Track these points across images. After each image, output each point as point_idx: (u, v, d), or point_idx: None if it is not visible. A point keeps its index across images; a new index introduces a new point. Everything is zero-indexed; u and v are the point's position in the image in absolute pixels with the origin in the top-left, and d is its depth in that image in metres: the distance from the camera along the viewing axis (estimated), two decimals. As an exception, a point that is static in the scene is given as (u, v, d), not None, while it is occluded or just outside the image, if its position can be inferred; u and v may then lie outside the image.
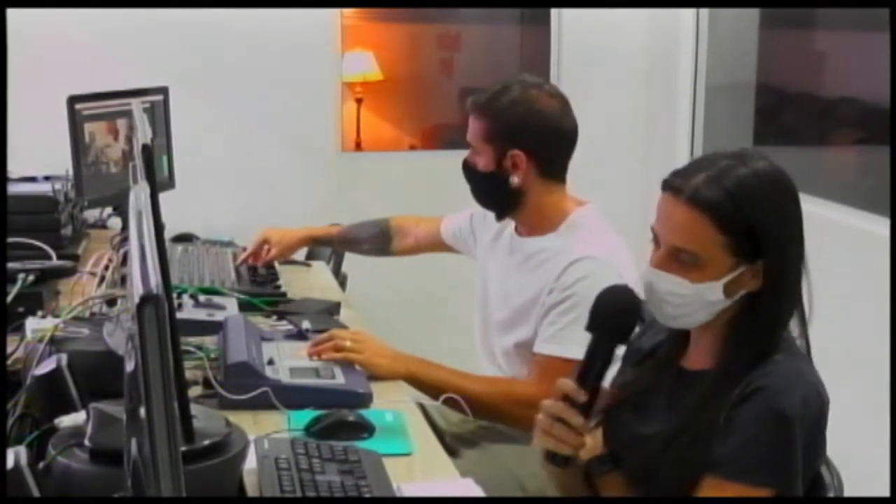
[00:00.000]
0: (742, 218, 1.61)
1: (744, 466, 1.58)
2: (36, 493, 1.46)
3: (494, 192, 2.48)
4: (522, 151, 2.40)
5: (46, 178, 3.38)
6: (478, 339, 2.64)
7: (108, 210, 3.72)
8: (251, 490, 1.74)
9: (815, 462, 1.66)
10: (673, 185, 1.65)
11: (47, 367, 1.83)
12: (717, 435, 1.60)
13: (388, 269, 3.34)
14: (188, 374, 2.05)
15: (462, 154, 2.53)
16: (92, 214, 3.70)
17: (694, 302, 1.64)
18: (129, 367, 1.22)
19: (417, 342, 2.81)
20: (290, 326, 2.55)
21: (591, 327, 1.71)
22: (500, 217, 2.55)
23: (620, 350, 1.78)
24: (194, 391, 2.11)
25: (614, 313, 1.71)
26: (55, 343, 2.05)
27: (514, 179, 2.42)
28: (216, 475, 1.66)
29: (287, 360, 2.24)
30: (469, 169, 2.50)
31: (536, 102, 2.42)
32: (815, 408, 1.60)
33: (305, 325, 2.50)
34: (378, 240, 3.06)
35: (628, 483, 1.73)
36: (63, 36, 4.04)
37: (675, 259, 1.64)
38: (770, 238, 1.62)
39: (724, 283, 1.63)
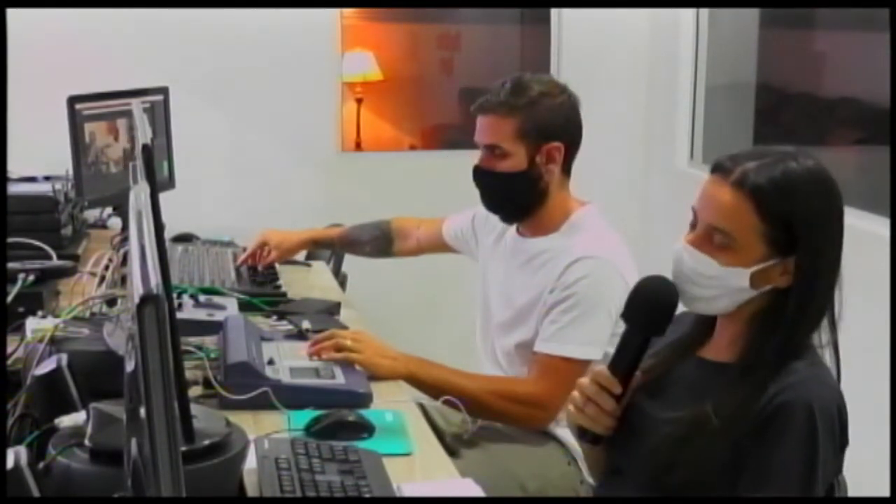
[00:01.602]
0: (784, 209, 1.62)
1: (778, 488, 1.58)
2: (36, 493, 1.45)
3: (520, 194, 2.45)
4: (560, 143, 2.41)
5: (46, 178, 3.37)
6: (479, 339, 2.64)
7: (108, 210, 3.72)
8: (251, 490, 1.74)
9: (838, 469, 1.68)
10: (723, 166, 1.66)
11: (47, 367, 1.82)
12: (749, 453, 1.60)
13: (388, 269, 3.34)
14: (188, 374, 2.05)
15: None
16: (92, 214, 3.70)
17: (718, 286, 1.65)
18: (129, 367, 1.22)
19: (417, 342, 2.81)
20: (290, 326, 2.55)
21: (626, 317, 1.69)
22: (514, 221, 2.54)
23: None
24: (194, 391, 2.10)
25: (651, 305, 1.68)
26: (55, 343, 2.05)
27: (546, 174, 2.41)
28: (216, 475, 1.66)
29: (287, 360, 2.24)
30: (485, 173, 2.45)
31: (558, 95, 2.43)
32: (840, 422, 1.62)
33: (305, 325, 2.50)
34: (379, 241, 3.06)
35: (643, 466, 1.71)
36: (63, 36, 4.04)
37: (709, 239, 1.65)
38: (807, 235, 1.63)
39: (752, 272, 1.63)
